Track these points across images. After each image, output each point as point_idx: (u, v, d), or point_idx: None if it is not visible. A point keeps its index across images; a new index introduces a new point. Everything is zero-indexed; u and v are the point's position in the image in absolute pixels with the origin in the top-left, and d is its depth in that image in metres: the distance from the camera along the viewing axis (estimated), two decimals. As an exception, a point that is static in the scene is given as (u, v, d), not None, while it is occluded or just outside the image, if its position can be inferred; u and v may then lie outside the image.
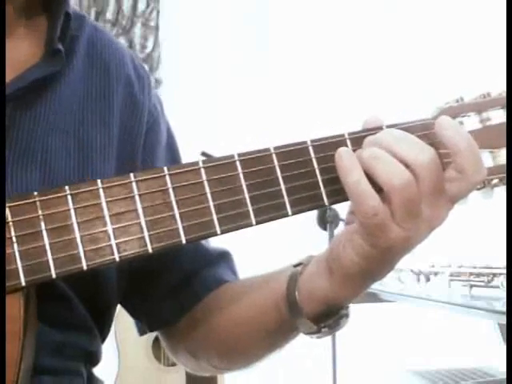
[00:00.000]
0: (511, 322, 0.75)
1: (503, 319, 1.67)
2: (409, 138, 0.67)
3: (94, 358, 0.86)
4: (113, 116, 0.84)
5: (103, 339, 0.87)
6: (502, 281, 1.81)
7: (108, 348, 0.90)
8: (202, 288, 0.88)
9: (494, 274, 1.85)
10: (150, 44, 3.18)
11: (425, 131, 0.69)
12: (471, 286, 1.91)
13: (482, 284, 1.88)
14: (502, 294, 1.76)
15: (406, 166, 0.65)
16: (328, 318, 0.73)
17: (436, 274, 2.14)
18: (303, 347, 1.41)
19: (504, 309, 1.62)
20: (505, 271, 1.78)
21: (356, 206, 0.66)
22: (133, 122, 0.86)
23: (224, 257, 0.92)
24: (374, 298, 2.33)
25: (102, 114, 0.83)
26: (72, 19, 0.83)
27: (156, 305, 0.89)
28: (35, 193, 0.65)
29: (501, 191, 0.72)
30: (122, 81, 0.86)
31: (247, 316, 0.82)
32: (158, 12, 3.20)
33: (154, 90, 0.92)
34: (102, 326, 0.86)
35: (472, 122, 0.71)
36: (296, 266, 0.76)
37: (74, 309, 0.79)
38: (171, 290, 0.88)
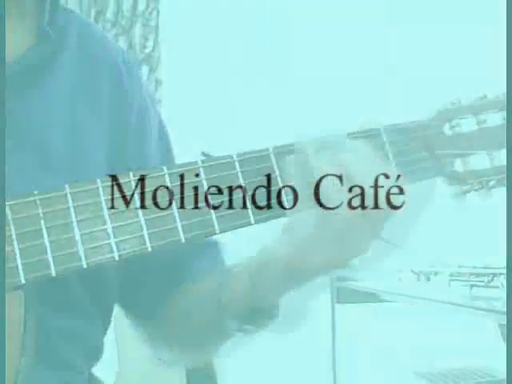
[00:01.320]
0: (511, 321, 0.75)
1: (503, 319, 1.67)
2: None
3: (94, 352, 0.86)
4: (102, 106, 0.85)
5: (104, 330, 0.88)
6: (501, 281, 1.80)
7: (108, 348, 0.90)
8: (182, 279, 0.88)
9: (494, 274, 1.84)
10: (150, 44, 3.18)
11: (421, 132, 0.70)
12: (471, 286, 1.91)
13: (482, 284, 1.88)
14: (502, 293, 1.76)
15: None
16: (254, 317, 0.75)
17: (436, 273, 2.14)
18: (303, 347, 1.41)
19: (504, 309, 1.62)
20: (505, 271, 1.78)
21: None
22: (122, 114, 0.87)
23: (210, 247, 0.90)
24: (374, 298, 2.33)
25: (92, 104, 0.85)
26: (60, 10, 0.85)
27: (137, 293, 0.89)
28: (35, 191, 0.65)
29: (500, 191, 0.73)
30: (111, 73, 0.88)
31: (189, 310, 0.85)
32: (158, 12, 3.20)
33: (145, 84, 0.94)
34: (102, 312, 0.86)
35: (469, 123, 0.72)
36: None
37: (72, 292, 0.79)
38: (152, 279, 0.88)
